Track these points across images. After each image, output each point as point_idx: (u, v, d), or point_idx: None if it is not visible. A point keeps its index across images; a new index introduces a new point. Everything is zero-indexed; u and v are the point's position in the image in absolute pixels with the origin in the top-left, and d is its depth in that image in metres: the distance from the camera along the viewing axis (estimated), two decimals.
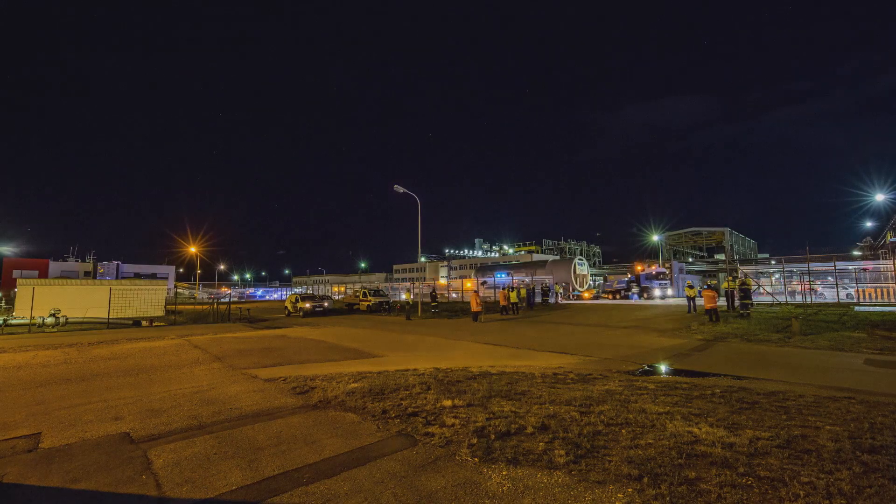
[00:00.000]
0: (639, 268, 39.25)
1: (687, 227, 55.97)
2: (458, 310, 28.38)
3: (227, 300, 33.00)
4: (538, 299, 32.22)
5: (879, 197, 37.99)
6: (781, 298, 24.57)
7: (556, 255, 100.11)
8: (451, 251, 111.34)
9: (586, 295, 40.17)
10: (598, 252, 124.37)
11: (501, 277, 41.02)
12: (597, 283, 52.72)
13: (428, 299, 32.49)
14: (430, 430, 4.65)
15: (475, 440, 4.30)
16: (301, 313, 27.30)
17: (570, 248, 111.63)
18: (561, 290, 36.75)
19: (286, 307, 29.86)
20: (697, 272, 46.14)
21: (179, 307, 26.90)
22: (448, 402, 5.59)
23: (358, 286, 49.94)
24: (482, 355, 10.54)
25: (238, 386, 7.06)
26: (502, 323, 19.38)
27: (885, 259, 31.37)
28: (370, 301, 31.24)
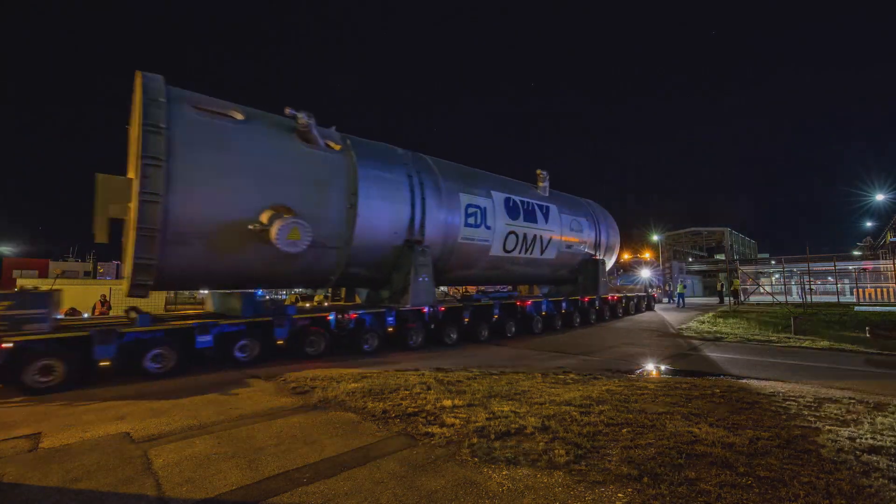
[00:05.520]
0: (625, 256, 36.70)
1: (687, 227, 55.97)
2: None
3: None
4: None
5: (879, 197, 37.95)
6: (781, 298, 24.58)
7: None
8: None
9: None
10: None
11: None
12: None
13: None
14: (430, 429, 4.65)
15: (475, 440, 4.30)
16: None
17: None
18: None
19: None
20: (697, 272, 46.22)
21: (179, 307, 26.93)
22: (448, 402, 5.59)
23: None
24: (481, 355, 10.53)
25: (238, 386, 7.06)
26: None
27: (885, 259, 31.38)
28: None
